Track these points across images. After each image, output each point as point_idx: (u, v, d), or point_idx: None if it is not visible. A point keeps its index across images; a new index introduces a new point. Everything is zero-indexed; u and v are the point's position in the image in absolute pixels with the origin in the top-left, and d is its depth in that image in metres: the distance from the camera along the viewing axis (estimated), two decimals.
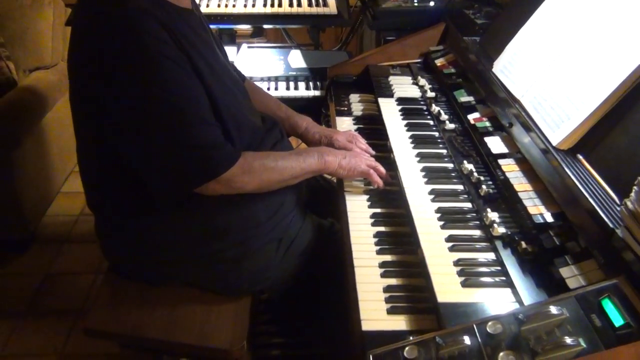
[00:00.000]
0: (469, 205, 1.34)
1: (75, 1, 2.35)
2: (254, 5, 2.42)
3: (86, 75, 1.21)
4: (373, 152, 1.60)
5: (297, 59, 2.42)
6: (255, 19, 2.43)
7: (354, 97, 1.96)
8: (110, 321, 1.39)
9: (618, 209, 1.00)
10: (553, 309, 0.89)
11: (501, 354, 0.86)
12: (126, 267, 1.48)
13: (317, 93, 2.24)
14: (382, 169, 1.49)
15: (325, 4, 2.45)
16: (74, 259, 2.57)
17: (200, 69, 1.24)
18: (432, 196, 1.36)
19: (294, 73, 2.34)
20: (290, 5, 2.43)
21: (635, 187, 0.92)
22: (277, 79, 2.32)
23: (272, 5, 2.43)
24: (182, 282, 1.44)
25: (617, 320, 0.85)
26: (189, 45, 1.22)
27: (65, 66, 3.10)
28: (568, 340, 0.85)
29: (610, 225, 0.98)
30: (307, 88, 2.27)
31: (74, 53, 1.25)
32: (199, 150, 1.21)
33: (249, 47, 2.58)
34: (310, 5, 2.44)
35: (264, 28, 2.71)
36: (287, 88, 2.28)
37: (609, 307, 0.88)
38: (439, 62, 1.93)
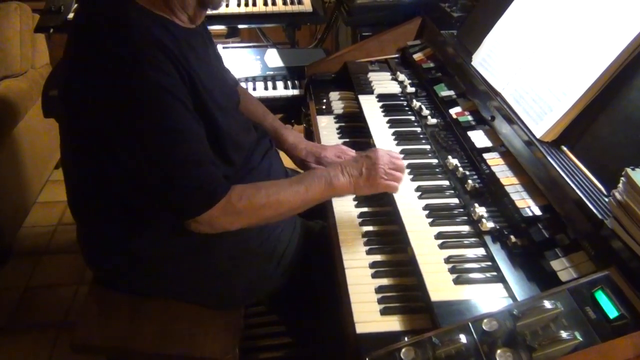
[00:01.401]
0: (456, 200, 1.34)
1: (44, 8, 2.31)
2: (227, 5, 2.38)
3: (83, 97, 1.15)
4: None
5: (273, 58, 2.39)
6: (229, 19, 2.40)
7: (334, 95, 1.95)
8: (98, 334, 1.36)
9: (605, 199, 1.01)
10: (547, 304, 0.89)
11: (498, 351, 0.86)
12: (111, 278, 1.44)
13: (295, 92, 2.21)
14: (400, 163, 1.34)
15: (300, 2, 2.42)
16: (54, 270, 2.53)
17: (204, 100, 1.20)
18: (418, 193, 1.36)
19: (272, 72, 2.31)
20: (265, 4, 2.40)
21: (622, 178, 0.93)
22: (254, 79, 2.29)
23: (247, 4, 2.39)
24: (172, 297, 1.40)
25: (612, 312, 0.85)
26: (193, 74, 1.18)
27: (36, 73, 3.04)
28: (564, 334, 0.85)
29: (599, 216, 0.98)
30: (286, 87, 2.24)
31: (72, 74, 1.19)
32: (177, 189, 1.16)
33: (224, 47, 2.54)
34: (285, 3, 2.42)
35: (239, 28, 2.67)
36: (265, 88, 2.25)
37: (602, 299, 0.88)
38: (417, 56, 1.93)
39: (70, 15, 2.25)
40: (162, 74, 1.11)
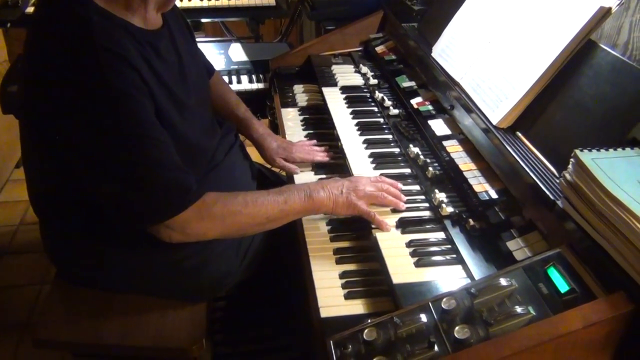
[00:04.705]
0: (417, 187, 1.37)
1: (0, 2, 2.25)
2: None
3: (42, 98, 1.12)
4: (326, 159, 1.58)
5: (238, 53, 2.39)
6: (192, 13, 2.39)
7: (298, 88, 1.96)
8: (62, 330, 1.34)
9: (557, 181, 1.05)
10: (502, 281, 0.93)
11: (457, 328, 0.89)
12: (75, 274, 1.42)
13: (260, 86, 2.23)
14: (393, 190, 1.31)
15: None
16: (17, 270, 2.47)
17: (164, 106, 1.18)
18: None
19: (236, 67, 2.32)
20: None
21: (572, 160, 0.97)
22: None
23: None
24: (137, 292, 1.39)
25: (563, 286, 0.90)
26: (154, 79, 1.16)
27: None
28: (518, 309, 0.88)
29: (551, 197, 1.02)
30: (250, 81, 2.25)
31: (32, 74, 1.15)
32: (145, 192, 1.13)
33: None
34: None
35: (202, 22, 2.66)
36: (230, 82, 2.25)
37: (554, 274, 0.92)
38: (379, 49, 1.96)
39: (29, 10, 2.22)
40: (122, 79, 1.08)
